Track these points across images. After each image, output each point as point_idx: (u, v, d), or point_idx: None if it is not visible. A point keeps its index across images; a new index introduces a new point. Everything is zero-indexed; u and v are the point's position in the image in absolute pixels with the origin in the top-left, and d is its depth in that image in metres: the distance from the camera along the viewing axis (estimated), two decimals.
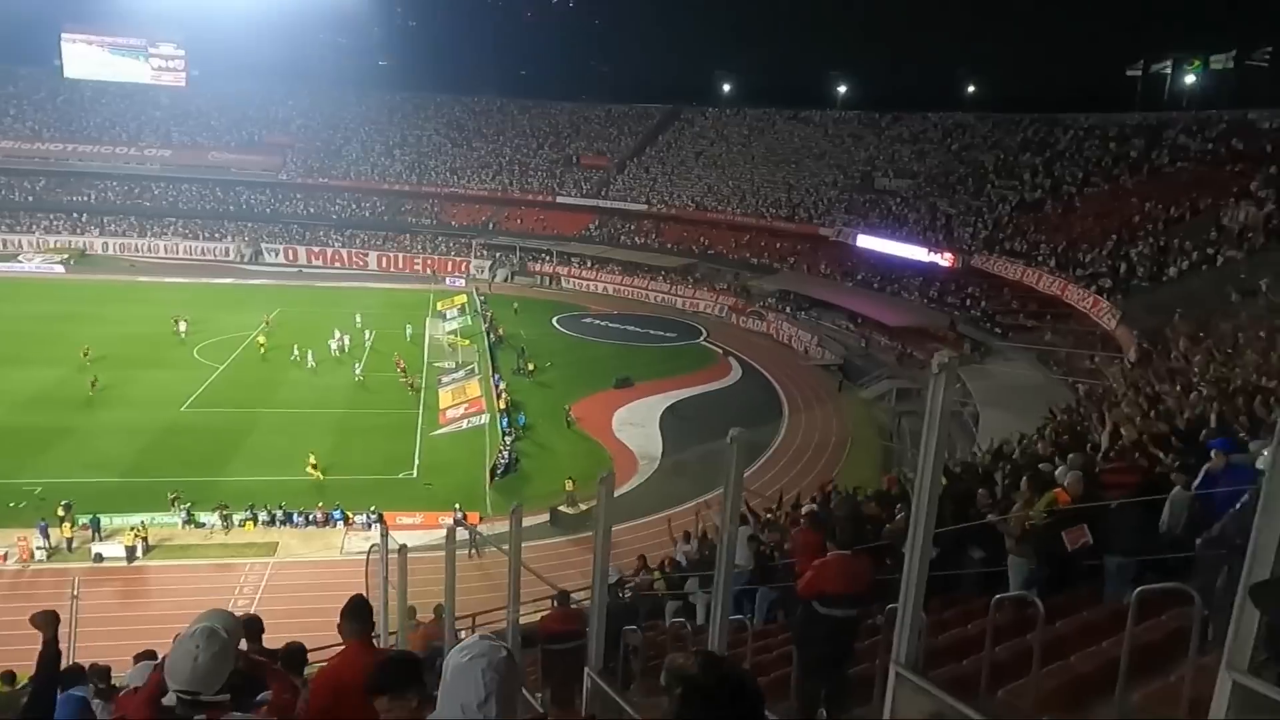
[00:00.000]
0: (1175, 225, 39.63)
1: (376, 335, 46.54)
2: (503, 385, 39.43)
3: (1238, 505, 5.30)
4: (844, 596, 5.72)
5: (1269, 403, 11.48)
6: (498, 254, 68.01)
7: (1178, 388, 17.29)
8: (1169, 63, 53.83)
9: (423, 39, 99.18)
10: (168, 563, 24.93)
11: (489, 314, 52.07)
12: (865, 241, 53.74)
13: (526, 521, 25.53)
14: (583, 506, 26.83)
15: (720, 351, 48.70)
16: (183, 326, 45.06)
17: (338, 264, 67.83)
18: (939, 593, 9.03)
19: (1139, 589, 4.95)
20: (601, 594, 5.78)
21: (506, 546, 7.07)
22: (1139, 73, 54.83)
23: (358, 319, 48.25)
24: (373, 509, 27.37)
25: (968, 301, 45.96)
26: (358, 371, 40.63)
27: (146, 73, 78.88)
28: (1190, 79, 53.65)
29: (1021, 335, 40.75)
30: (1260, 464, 5.35)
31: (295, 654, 6.09)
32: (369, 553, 14.71)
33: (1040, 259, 42.83)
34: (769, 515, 14.93)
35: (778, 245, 60.30)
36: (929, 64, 75.91)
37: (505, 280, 65.70)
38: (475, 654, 2.38)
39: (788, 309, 53.69)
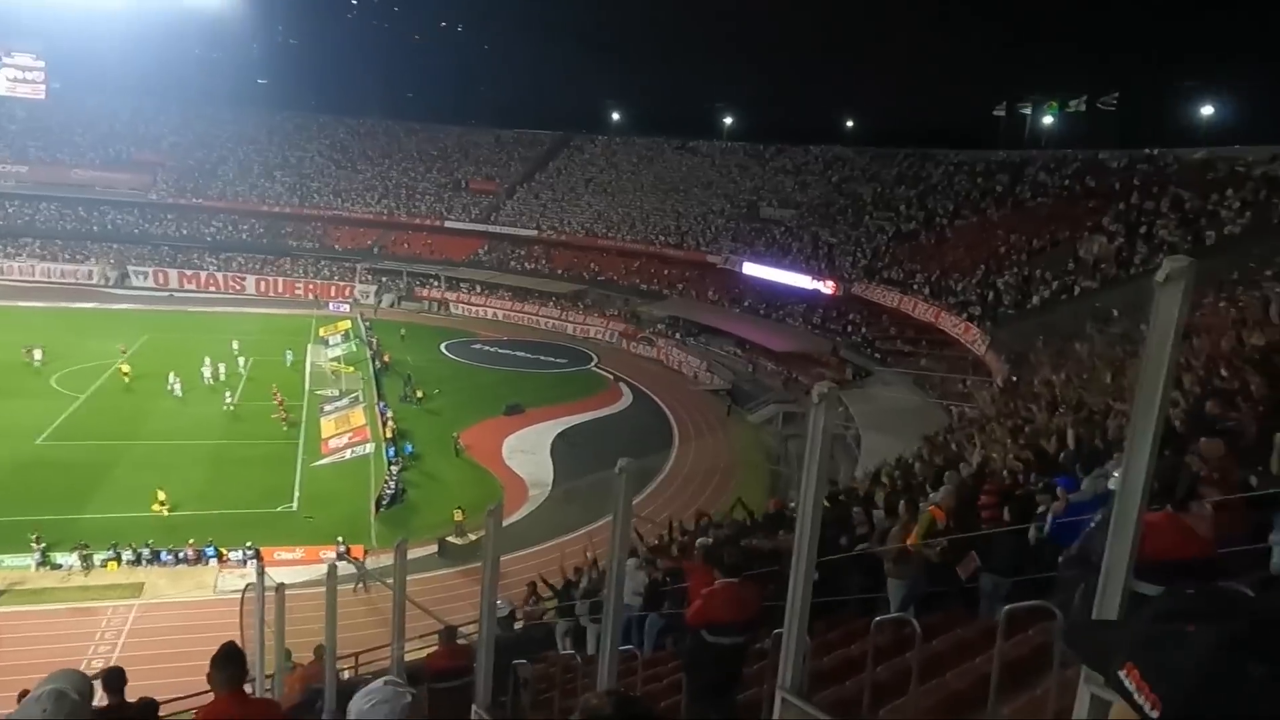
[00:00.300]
0: (1037, 256, 42.16)
1: (254, 362, 44.70)
2: (389, 413, 38.45)
3: (1091, 524, 5.64)
4: (732, 624, 5.79)
5: (1121, 425, 12.28)
6: (384, 278, 66.55)
7: (1041, 410, 18.32)
8: (1029, 105, 57.48)
9: (305, 58, 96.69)
10: (20, 608, 23.13)
11: (374, 340, 50.78)
12: (751, 269, 55.08)
13: (414, 553, 25.00)
14: (472, 537, 26.34)
15: (611, 377, 48.85)
16: (37, 354, 42.16)
17: (212, 288, 64.94)
18: (824, 615, 9.25)
19: (1007, 607, 5.19)
20: (490, 628, 5.68)
21: (391, 581, 6.88)
22: (1002, 113, 58.30)
23: (235, 345, 46.26)
24: (249, 545, 26.15)
25: (849, 328, 47.61)
26: (229, 400, 38.83)
27: (0, 84, 74.04)
28: (1048, 120, 57.40)
29: (899, 360, 42.47)
30: (1111, 484, 5.71)
31: (147, 709, 5.70)
32: (244, 592, 14.02)
33: (916, 287, 44.80)
34: (658, 541, 14.98)
35: (667, 272, 61.13)
36: (809, 99, 78.76)
37: (392, 305, 64.29)
38: (379, 699, 2.34)
39: (677, 335, 54.40)
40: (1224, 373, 13.30)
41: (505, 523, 28.09)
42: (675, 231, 63.51)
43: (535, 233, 67.79)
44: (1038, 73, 61.07)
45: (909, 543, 8.55)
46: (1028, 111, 57.61)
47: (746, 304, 54.43)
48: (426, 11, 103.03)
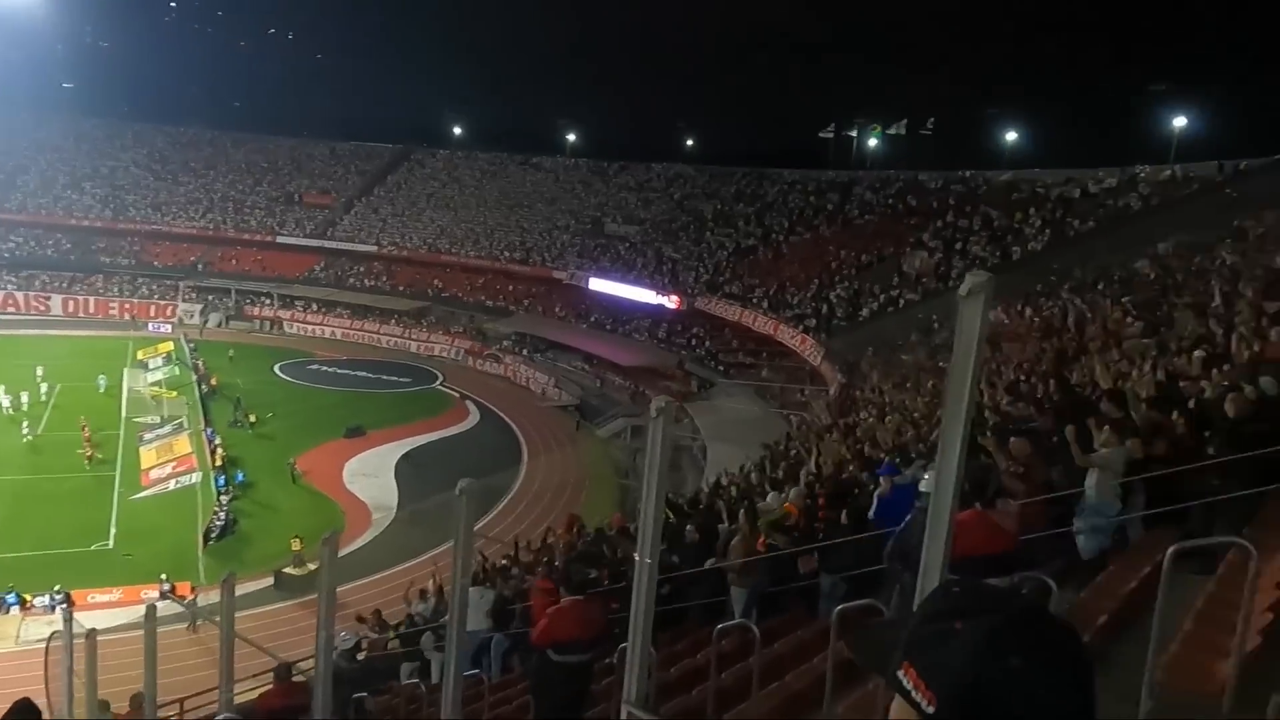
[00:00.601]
0: (866, 271, 44.57)
1: (61, 390, 41.08)
2: (217, 440, 36.21)
3: (903, 523, 5.97)
4: (578, 642, 5.76)
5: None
6: (210, 297, 62.73)
7: (871, 416, 19.32)
8: (855, 128, 60.79)
9: (118, 62, 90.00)
10: None
11: (200, 362, 47.75)
12: (597, 284, 55.48)
13: (249, 587, 23.65)
14: (310, 567, 25.13)
15: (457, 395, 47.91)
16: None
17: (11, 309, 59.27)
18: (671, 625, 9.37)
19: (839, 607, 5.42)
20: (326, 662, 5.41)
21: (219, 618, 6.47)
22: (831, 135, 61.37)
23: (39, 371, 42.33)
24: (57, 588, 23.92)
25: (693, 341, 48.71)
26: (26, 432, 35.40)
27: None
28: (873, 142, 60.87)
29: (741, 372, 43.81)
30: (924, 486, 6.07)
31: None
32: (48, 640, 12.80)
33: (755, 301, 46.39)
34: (505, 561, 14.77)
35: (512, 288, 60.65)
36: (651, 117, 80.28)
37: (219, 325, 60.64)
38: None
39: (524, 351, 54.04)
40: (1029, 377, 14.44)
41: (348, 550, 27.06)
42: (521, 247, 63.16)
43: (375, 248, 65.77)
44: (861, 99, 64.65)
45: (759, 525, 8.78)
46: (854, 134, 60.87)
47: (593, 319, 54.74)
48: (253, 17, 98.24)
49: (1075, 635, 1.02)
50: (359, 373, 50.81)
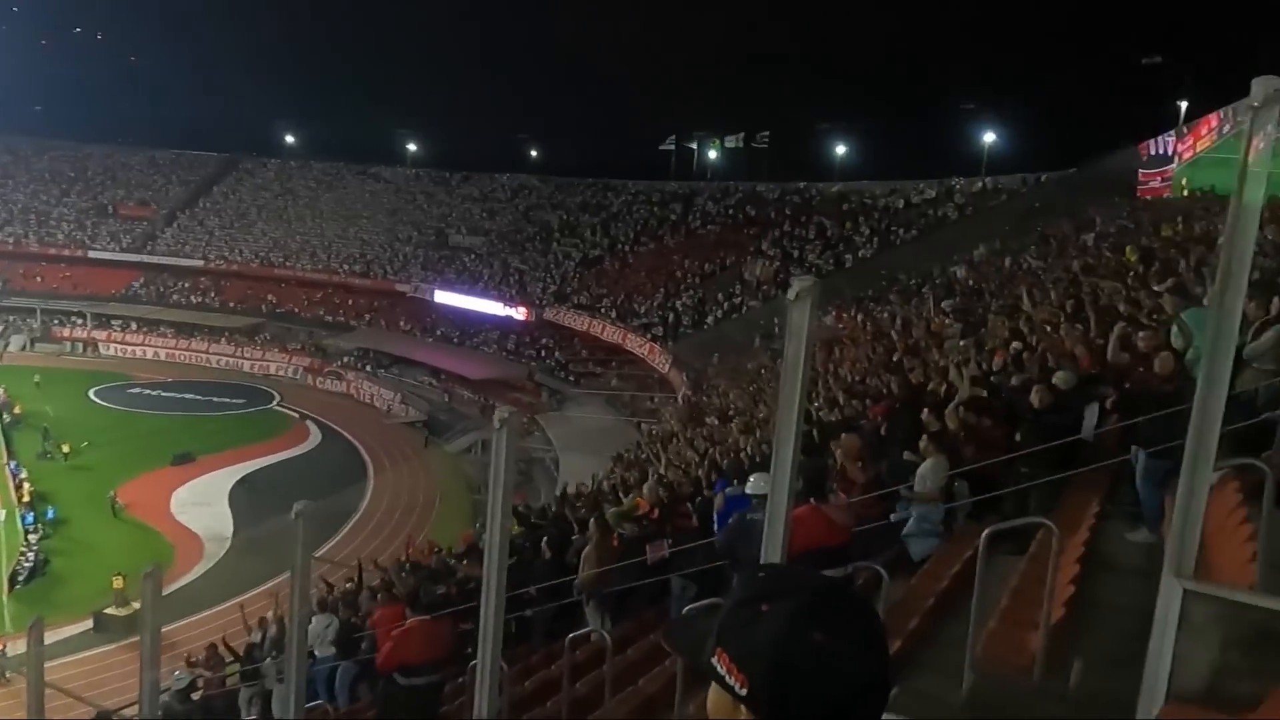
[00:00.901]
0: (709, 280, 45.79)
1: None
2: (23, 474, 33.12)
3: (730, 520, 6.20)
4: (425, 664, 5.62)
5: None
6: (11, 318, 57.30)
7: (718, 421, 19.84)
8: (695, 141, 62.30)
9: None
10: None
11: (1, 390, 43.53)
12: (443, 297, 54.43)
13: (65, 631, 21.81)
14: (135, 605, 23.35)
15: (296, 415, 45.78)
16: None
17: None
18: (525, 639, 9.29)
19: (686, 608, 5.54)
20: (151, 707, 5.06)
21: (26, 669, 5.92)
22: (672, 147, 62.65)
23: None
24: None
25: (543, 352, 48.56)
26: None
27: None
28: (713, 154, 62.55)
29: (592, 382, 44.02)
30: (750, 488, 6.37)
31: None
32: None
33: (603, 311, 46.77)
34: (351, 585, 14.22)
35: (353, 302, 58.58)
36: (494, 128, 79.50)
37: (23, 349, 55.44)
38: None
39: (368, 367, 52.29)
40: (864, 377, 15.21)
41: (178, 584, 25.35)
42: (361, 260, 61.13)
43: (201, 263, 62.02)
44: (701, 113, 66.43)
45: (609, 516, 8.81)
46: (694, 146, 62.38)
47: (440, 333, 53.64)
48: (55, 14, 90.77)
49: (870, 608, 1.10)
50: (186, 395, 47.70)
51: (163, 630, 5.58)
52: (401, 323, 55.89)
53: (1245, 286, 3.37)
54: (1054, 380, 7.64)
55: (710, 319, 42.11)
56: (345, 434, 43.24)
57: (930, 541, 7.24)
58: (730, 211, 52.47)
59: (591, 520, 8.63)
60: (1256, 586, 3.85)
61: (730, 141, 59.40)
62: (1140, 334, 8.15)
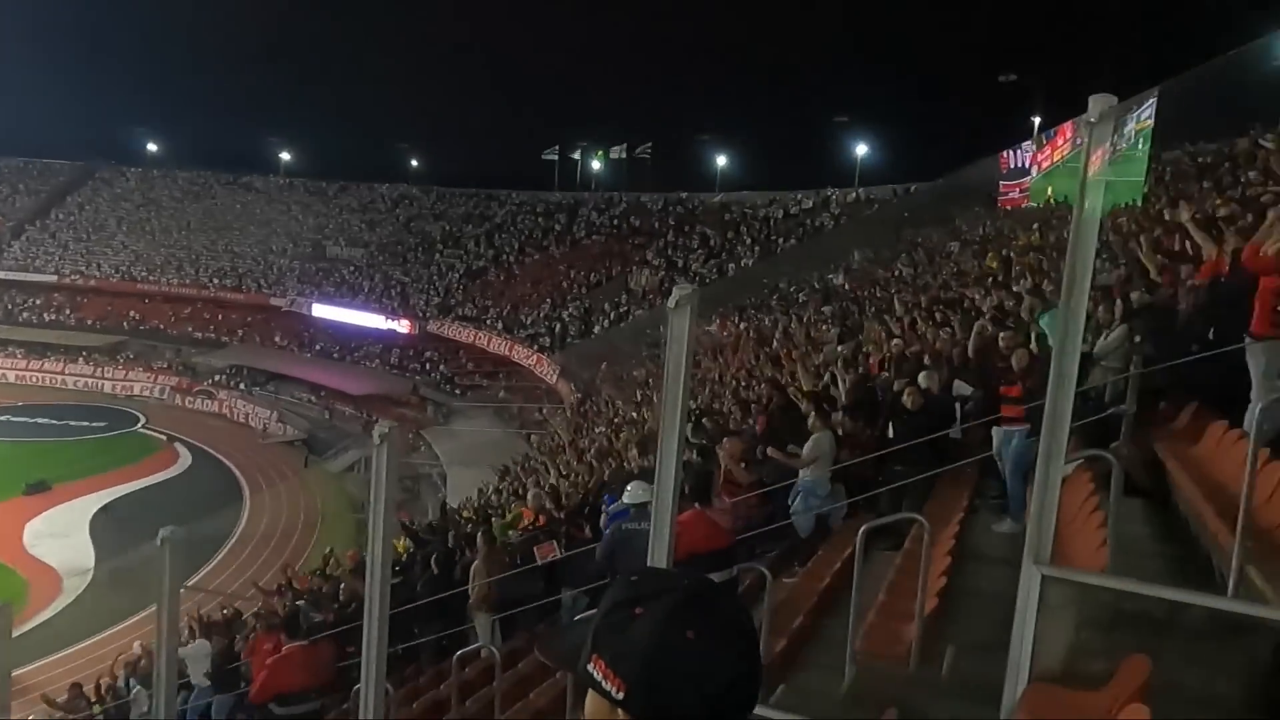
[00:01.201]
0: (595, 289, 45.93)
1: None
2: None
3: (607, 531, 6.25)
4: (304, 692, 5.41)
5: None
6: None
7: (609, 430, 19.89)
8: (578, 151, 62.40)
9: None
10: None
11: None
12: (321, 311, 52.71)
13: None
14: None
15: (164, 438, 43.38)
16: None
17: None
18: (413, 660, 9.06)
19: (576, 617, 5.52)
20: None
21: None
22: (555, 158, 62.57)
23: None
24: None
25: (428, 366, 47.62)
26: None
27: None
28: (596, 165, 62.78)
29: (479, 395, 43.44)
30: (628, 498, 6.46)
31: None
32: None
33: (489, 322, 46.26)
34: (227, 613, 13.57)
35: (224, 317, 56.04)
36: (372, 136, 77.62)
37: None
38: None
39: (242, 385, 50.06)
40: (748, 383, 15.53)
41: (34, 623, 23.61)
42: (232, 273, 58.57)
43: (54, 278, 58.17)
44: (584, 123, 66.71)
45: (494, 529, 8.69)
46: (577, 157, 62.48)
47: (319, 347, 51.88)
48: None
49: (740, 605, 1.13)
50: (38, 420, 44.50)
51: (14, 674, 5.19)
52: (277, 338, 53.79)
53: (1088, 290, 3.61)
54: (922, 382, 7.99)
55: (597, 328, 42.23)
56: (218, 455, 41.24)
57: (813, 519, 7.47)
58: (615, 222, 52.79)
59: (479, 534, 8.50)
60: (1107, 569, 4.12)
61: (614, 153, 59.76)
62: (1001, 335, 8.62)
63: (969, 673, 4.33)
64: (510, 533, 8.36)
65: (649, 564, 4.02)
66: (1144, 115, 22.06)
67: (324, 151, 71.89)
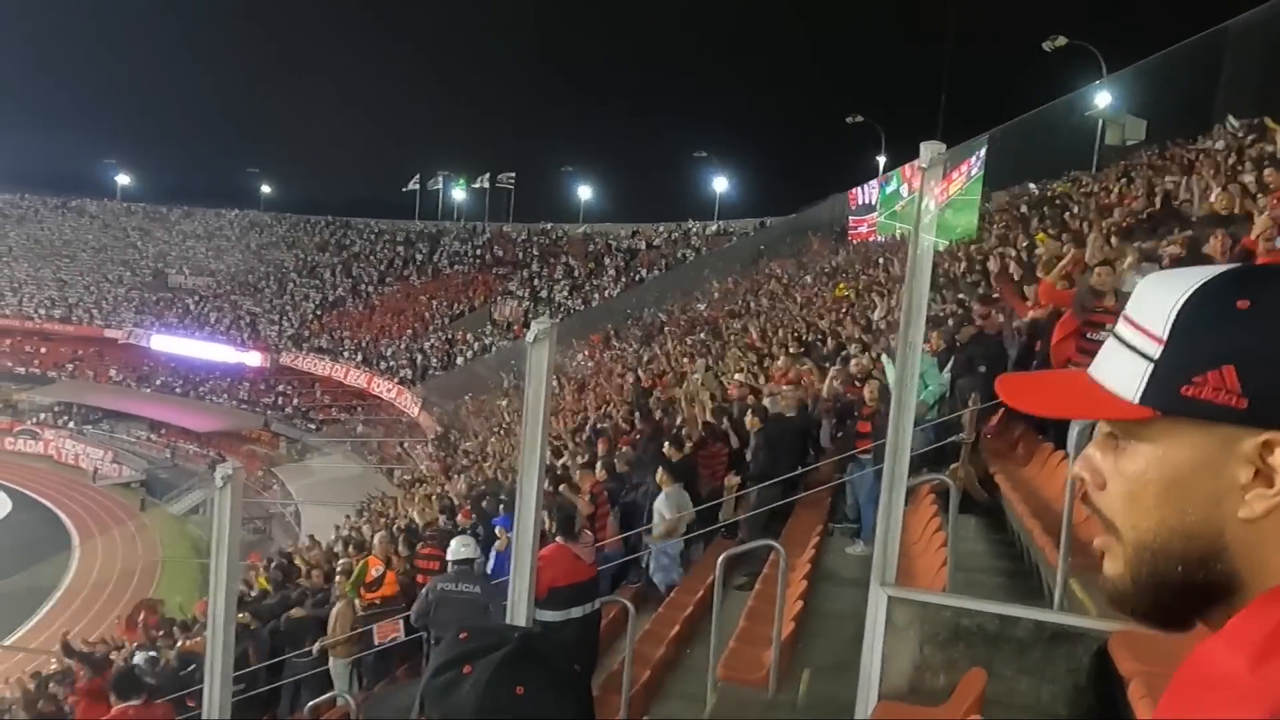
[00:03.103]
0: (458, 320, 45.24)
1: None
2: None
3: (424, 591, 6.16)
4: None
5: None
6: None
7: (473, 463, 19.53)
8: (440, 180, 61.54)
9: None
10: None
11: None
12: (162, 343, 49.61)
13: None
14: None
15: None
16: None
17: None
18: (270, 708, 8.59)
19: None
20: None
21: None
22: (417, 186, 61.51)
23: None
24: None
25: (280, 400, 45.52)
26: None
27: None
28: (459, 195, 62.07)
29: (335, 429, 41.84)
30: (451, 554, 6.51)
31: None
32: None
33: (346, 354, 44.72)
34: (56, 667, 12.48)
35: (48, 350, 51.87)
36: (218, 160, 74.28)
37: None
38: None
39: (71, 423, 46.40)
40: (612, 414, 15.61)
41: None
42: (61, 303, 54.39)
43: None
44: (445, 153, 66.04)
45: (344, 589, 8.33)
46: (439, 186, 61.61)
47: (159, 382, 48.75)
48: None
49: (569, 653, 1.14)
50: None
51: None
52: (112, 372, 50.22)
53: (924, 322, 3.85)
54: (779, 409, 8.24)
55: (460, 360, 41.52)
56: (43, 501, 37.96)
57: (672, 574, 7.53)
58: (478, 252, 52.27)
59: (337, 577, 8.13)
60: (947, 587, 4.35)
61: (477, 182, 59.29)
62: (852, 362, 9.03)
63: (824, 694, 4.47)
64: (365, 593, 8.01)
65: (510, 598, 3.97)
66: (975, 161, 23.73)
67: (166, 174, 68.35)
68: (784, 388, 8.45)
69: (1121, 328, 0.71)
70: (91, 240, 60.83)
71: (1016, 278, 9.02)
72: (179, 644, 8.69)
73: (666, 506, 7.36)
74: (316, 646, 7.48)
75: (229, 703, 4.13)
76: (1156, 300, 0.68)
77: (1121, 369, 0.70)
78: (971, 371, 6.77)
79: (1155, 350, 0.67)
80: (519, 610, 3.84)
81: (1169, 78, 19.97)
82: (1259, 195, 7.43)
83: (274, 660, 8.03)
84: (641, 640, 5.63)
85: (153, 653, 8.69)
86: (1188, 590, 0.68)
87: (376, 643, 7.36)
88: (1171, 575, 0.68)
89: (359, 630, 7.51)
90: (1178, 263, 6.25)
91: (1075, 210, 14.61)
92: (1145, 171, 15.55)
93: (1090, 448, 0.74)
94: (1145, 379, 0.67)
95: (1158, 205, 10.75)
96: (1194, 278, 0.68)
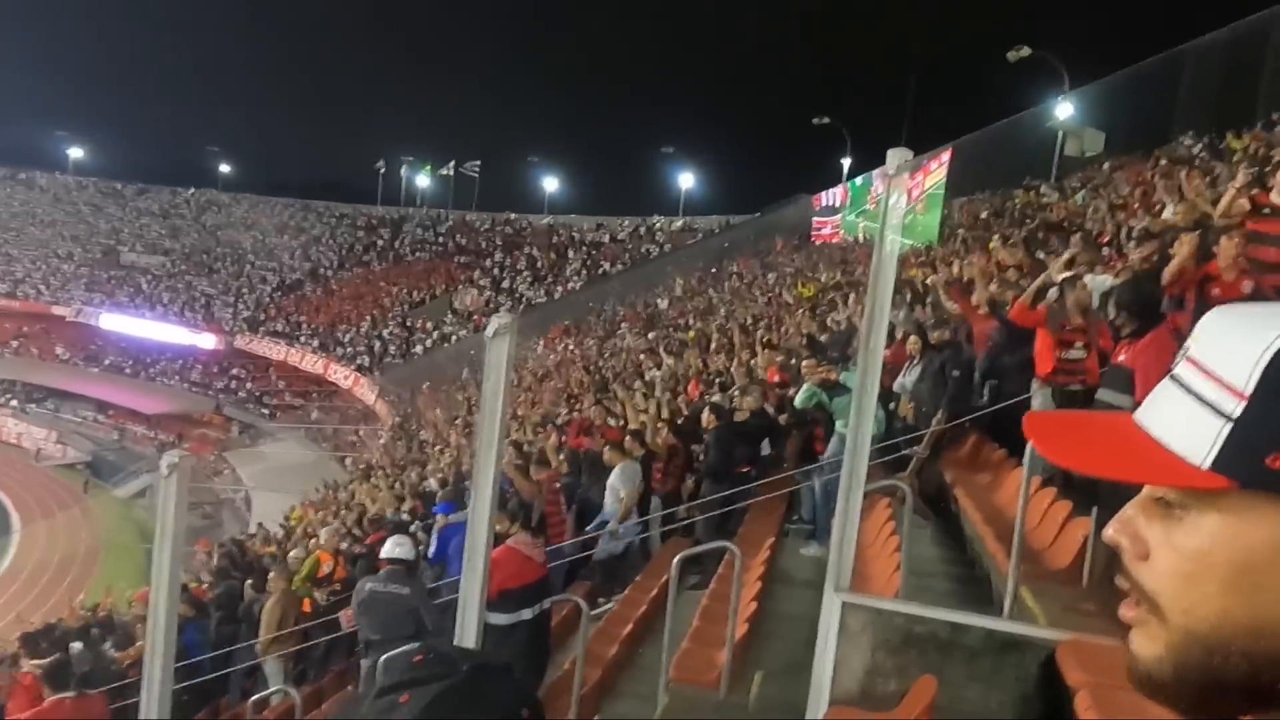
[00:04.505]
0: (418, 308, 44.76)
1: None
2: None
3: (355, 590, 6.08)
4: None
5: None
6: None
7: (431, 454, 19.33)
8: (404, 165, 60.83)
9: None
10: None
11: None
12: (112, 322, 48.46)
13: None
14: None
15: None
16: None
17: None
18: (212, 700, 8.43)
19: (382, 658, 5.29)
20: None
21: None
22: (381, 169, 60.72)
23: None
24: None
25: (233, 383, 44.73)
26: None
27: None
28: (423, 182, 61.39)
29: (289, 415, 41.20)
30: (397, 553, 6.38)
31: None
32: None
33: (303, 339, 44.05)
34: None
35: None
36: (177, 136, 72.68)
37: None
38: None
39: (14, 402, 45.16)
40: (571, 408, 15.54)
41: None
42: (7, 278, 52.85)
43: None
44: (409, 137, 65.28)
45: (293, 585, 8.17)
46: (403, 173, 60.90)
47: (108, 362, 47.61)
48: None
49: (519, 696, 1.10)
50: None
51: None
52: (59, 350, 48.95)
53: (886, 327, 3.84)
54: (737, 406, 8.24)
55: (419, 348, 41.12)
56: None
57: (612, 545, 7.52)
58: (440, 239, 51.76)
59: (272, 573, 7.94)
60: (900, 593, 4.37)
61: (441, 169, 58.68)
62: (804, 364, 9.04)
63: (775, 698, 4.47)
64: (313, 590, 7.84)
65: (461, 598, 3.90)
66: (935, 167, 24.03)
67: (121, 150, 66.69)
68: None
69: (1186, 371, 0.60)
70: (41, 214, 59.18)
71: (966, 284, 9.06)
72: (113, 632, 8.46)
73: (621, 483, 7.32)
74: (258, 650, 7.32)
75: (169, 699, 4.03)
76: (1236, 344, 0.57)
77: (1188, 424, 0.58)
78: (942, 380, 6.77)
79: (1235, 407, 0.56)
80: (469, 613, 3.78)
81: (1129, 92, 20.40)
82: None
83: (221, 651, 7.87)
84: (594, 638, 5.60)
85: (86, 642, 8.45)
86: (1247, 691, 0.57)
87: (344, 627, 7.19)
88: (1229, 674, 0.57)
89: (294, 629, 7.34)
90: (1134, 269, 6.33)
91: (1029, 221, 14.86)
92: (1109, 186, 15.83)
93: (1131, 508, 0.63)
94: (1220, 441, 0.56)
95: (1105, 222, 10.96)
96: None
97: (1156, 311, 5.05)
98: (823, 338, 11.15)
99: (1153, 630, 0.61)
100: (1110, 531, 0.64)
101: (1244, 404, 0.56)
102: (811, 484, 7.32)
